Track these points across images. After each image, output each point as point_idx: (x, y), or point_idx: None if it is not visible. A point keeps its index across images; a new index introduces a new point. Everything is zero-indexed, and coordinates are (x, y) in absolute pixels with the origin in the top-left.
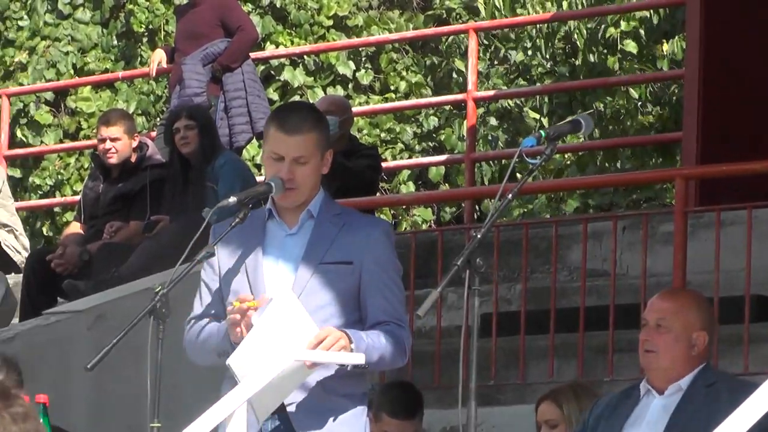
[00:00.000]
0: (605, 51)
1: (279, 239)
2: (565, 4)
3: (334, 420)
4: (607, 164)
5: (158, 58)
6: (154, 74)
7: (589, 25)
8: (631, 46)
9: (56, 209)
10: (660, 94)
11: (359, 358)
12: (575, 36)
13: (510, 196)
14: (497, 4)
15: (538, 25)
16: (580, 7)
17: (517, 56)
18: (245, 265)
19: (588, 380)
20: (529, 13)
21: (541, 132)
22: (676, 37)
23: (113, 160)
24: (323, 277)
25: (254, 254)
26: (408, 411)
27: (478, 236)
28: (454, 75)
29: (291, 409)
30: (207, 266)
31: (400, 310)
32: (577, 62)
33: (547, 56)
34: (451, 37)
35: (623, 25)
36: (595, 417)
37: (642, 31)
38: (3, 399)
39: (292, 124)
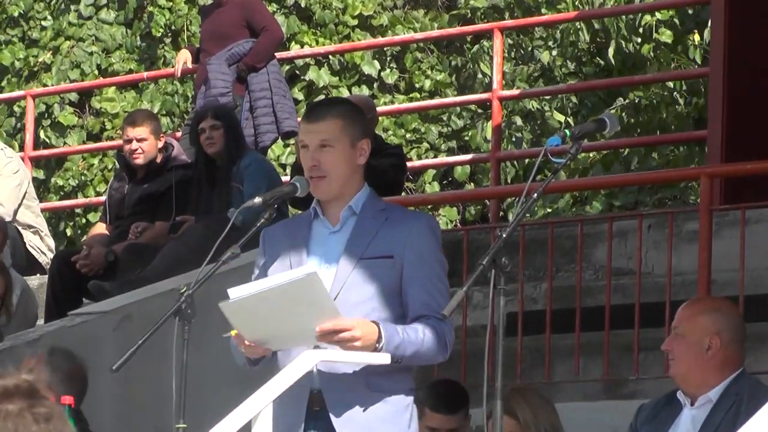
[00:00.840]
0: (639, 40)
1: (323, 237)
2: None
3: (376, 418)
4: (636, 161)
5: (183, 58)
6: (179, 75)
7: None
8: (666, 35)
9: (78, 210)
10: (695, 86)
11: (384, 358)
12: (610, 27)
13: (535, 195)
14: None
15: (564, 25)
16: (614, 4)
17: (542, 55)
18: (290, 264)
19: (528, 382)
20: (566, 9)
21: (566, 131)
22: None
23: (140, 160)
24: (364, 272)
25: (299, 254)
26: (449, 406)
27: (504, 236)
28: (479, 75)
29: (332, 410)
30: (255, 267)
31: (442, 304)
32: (607, 55)
33: (571, 57)
34: (477, 46)
35: (660, 13)
36: (641, 422)
37: (677, 21)
38: (27, 398)
39: (316, 112)
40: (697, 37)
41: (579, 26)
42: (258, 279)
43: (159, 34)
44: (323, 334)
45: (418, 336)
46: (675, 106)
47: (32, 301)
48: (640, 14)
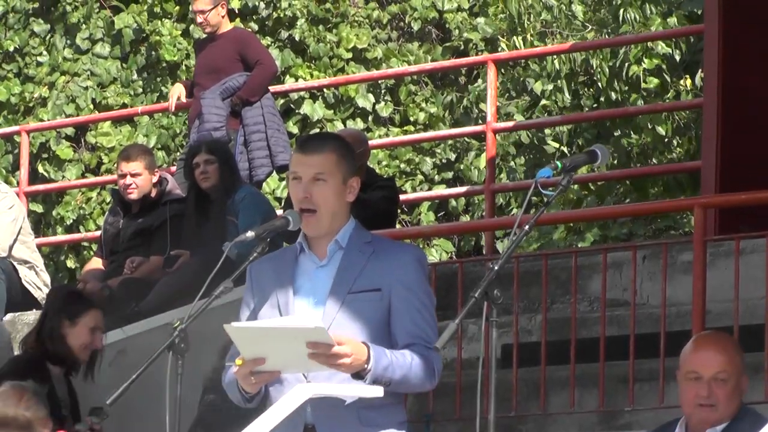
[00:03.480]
0: (627, 89)
1: (310, 272)
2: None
3: None
4: (632, 193)
5: (177, 92)
6: (173, 109)
7: (611, 63)
8: (654, 83)
9: (84, 243)
10: (686, 129)
11: (376, 391)
12: (597, 75)
13: (527, 227)
14: (518, 45)
15: (558, 57)
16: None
17: (535, 85)
18: (277, 300)
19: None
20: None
21: (557, 163)
22: (700, 72)
23: (133, 195)
24: (352, 306)
25: (285, 289)
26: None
27: (495, 268)
28: (474, 109)
29: None
30: (243, 304)
31: (430, 334)
32: (600, 99)
33: (568, 91)
34: (481, 84)
35: (646, 62)
36: None
37: (664, 66)
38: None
39: (311, 145)
40: (688, 82)
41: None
42: (245, 314)
43: (174, 58)
44: (314, 350)
45: (406, 360)
46: (666, 153)
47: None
48: (626, 64)
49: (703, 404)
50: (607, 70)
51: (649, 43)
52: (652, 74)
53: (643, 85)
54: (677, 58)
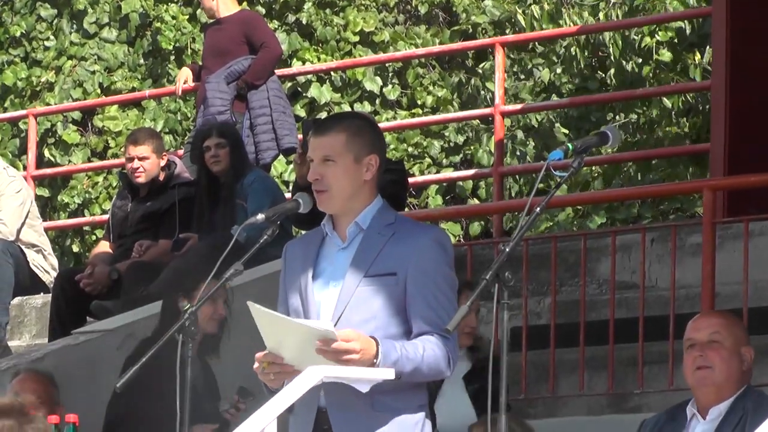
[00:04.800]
0: (640, 60)
1: (332, 254)
2: (601, 15)
3: None
4: (638, 176)
5: (184, 76)
6: (180, 93)
7: (624, 34)
8: (666, 56)
9: (86, 228)
10: (694, 104)
11: (387, 374)
12: (610, 47)
13: (538, 209)
14: (536, 14)
15: (566, 40)
16: (615, 18)
17: (543, 73)
18: (299, 282)
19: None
20: (566, 24)
21: (568, 145)
22: (708, 48)
23: (141, 179)
24: (368, 290)
25: (306, 271)
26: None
27: (507, 250)
28: (482, 91)
29: (336, 430)
30: (280, 285)
31: (446, 320)
32: (609, 72)
33: (575, 72)
34: (488, 63)
35: (660, 34)
36: None
37: (677, 41)
38: (22, 415)
39: (319, 128)
40: (697, 56)
41: (580, 41)
42: (281, 294)
43: (170, 47)
44: (323, 346)
45: (417, 352)
46: (672, 126)
47: None
48: (639, 36)
49: (699, 366)
50: (620, 42)
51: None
52: (664, 47)
53: (655, 56)
54: (687, 32)
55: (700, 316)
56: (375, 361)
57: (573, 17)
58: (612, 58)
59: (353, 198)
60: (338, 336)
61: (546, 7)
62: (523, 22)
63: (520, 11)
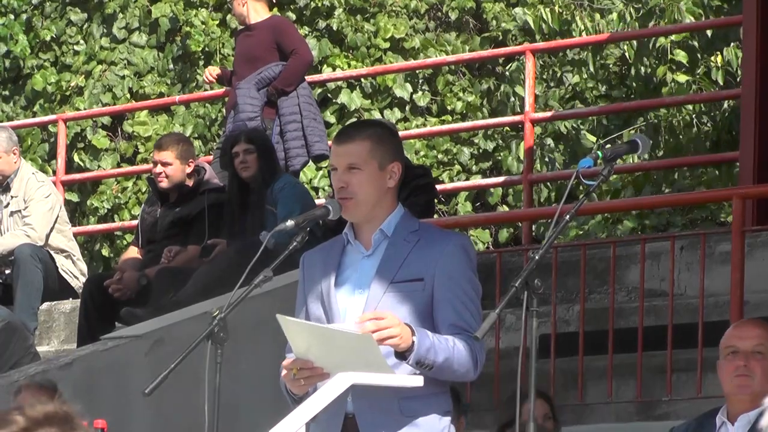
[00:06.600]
0: (656, 61)
1: (356, 262)
2: (615, 16)
3: None
4: (664, 183)
5: (215, 70)
6: (208, 80)
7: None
8: (681, 56)
9: (117, 233)
10: (714, 108)
11: (416, 381)
12: (626, 48)
13: (567, 217)
14: (545, 17)
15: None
16: (629, 18)
17: (573, 79)
18: (321, 289)
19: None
20: (577, 26)
21: (598, 153)
22: (732, 45)
23: (163, 184)
24: (394, 296)
25: (329, 279)
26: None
27: (536, 257)
28: (511, 98)
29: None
30: (298, 293)
31: (473, 324)
32: (629, 73)
33: (601, 80)
34: (514, 64)
35: (674, 35)
36: None
37: (695, 43)
38: (65, 423)
39: (345, 135)
40: (719, 59)
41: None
42: (300, 304)
43: (198, 49)
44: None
45: (449, 344)
46: (692, 128)
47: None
48: (654, 37)
49: (740, 374)
50: (635, 42)
51: (676, 15)
52: (680, 47)
53: (669, 56)
54: (708, 33)
55: (743, 324)
56: (412, 339)
57: (584, 20)
58: (627, 57)
59: (377, 205)
60: (377, 345)
61: (557, 9)
62: (532, 25)
63: (529, 13)
